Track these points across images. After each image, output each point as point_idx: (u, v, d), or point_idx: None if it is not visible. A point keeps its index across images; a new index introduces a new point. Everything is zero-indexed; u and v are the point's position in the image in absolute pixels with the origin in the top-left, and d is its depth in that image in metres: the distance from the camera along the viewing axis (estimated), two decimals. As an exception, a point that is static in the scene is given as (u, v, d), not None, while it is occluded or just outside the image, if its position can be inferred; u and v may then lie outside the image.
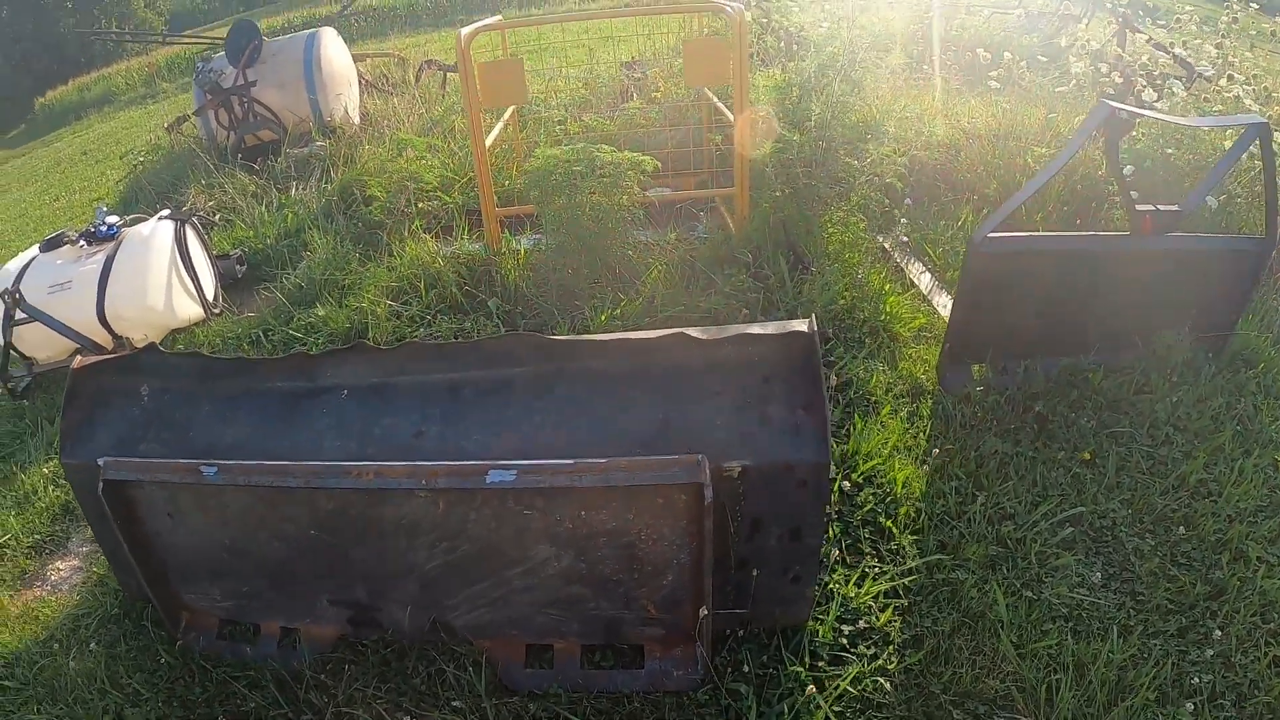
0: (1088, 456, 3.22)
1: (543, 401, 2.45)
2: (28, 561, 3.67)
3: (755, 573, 2.38)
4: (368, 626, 2.77)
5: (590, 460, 2.16)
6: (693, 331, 2.29)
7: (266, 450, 2.70)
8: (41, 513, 3.92)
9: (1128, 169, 4.73)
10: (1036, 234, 3.47)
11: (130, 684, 2.83)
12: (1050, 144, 5.19)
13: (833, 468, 3.19)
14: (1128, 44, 5.93)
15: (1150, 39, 5.91)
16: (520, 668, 2.62)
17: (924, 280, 4.62)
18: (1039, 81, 5.77)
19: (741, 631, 2.58)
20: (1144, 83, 5.26)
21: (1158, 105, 4.96)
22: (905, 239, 4.81)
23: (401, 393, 2.65)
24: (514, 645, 2.65)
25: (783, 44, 6.70)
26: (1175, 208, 3.41)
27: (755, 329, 2.28)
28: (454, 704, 2.54)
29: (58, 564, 3.64)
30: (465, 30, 4.27)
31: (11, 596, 3.45)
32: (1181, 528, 2.91)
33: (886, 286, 4.30)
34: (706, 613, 2.34)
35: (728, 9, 4.13)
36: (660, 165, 4.38)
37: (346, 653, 2.78)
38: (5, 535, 3.79)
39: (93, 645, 3.03)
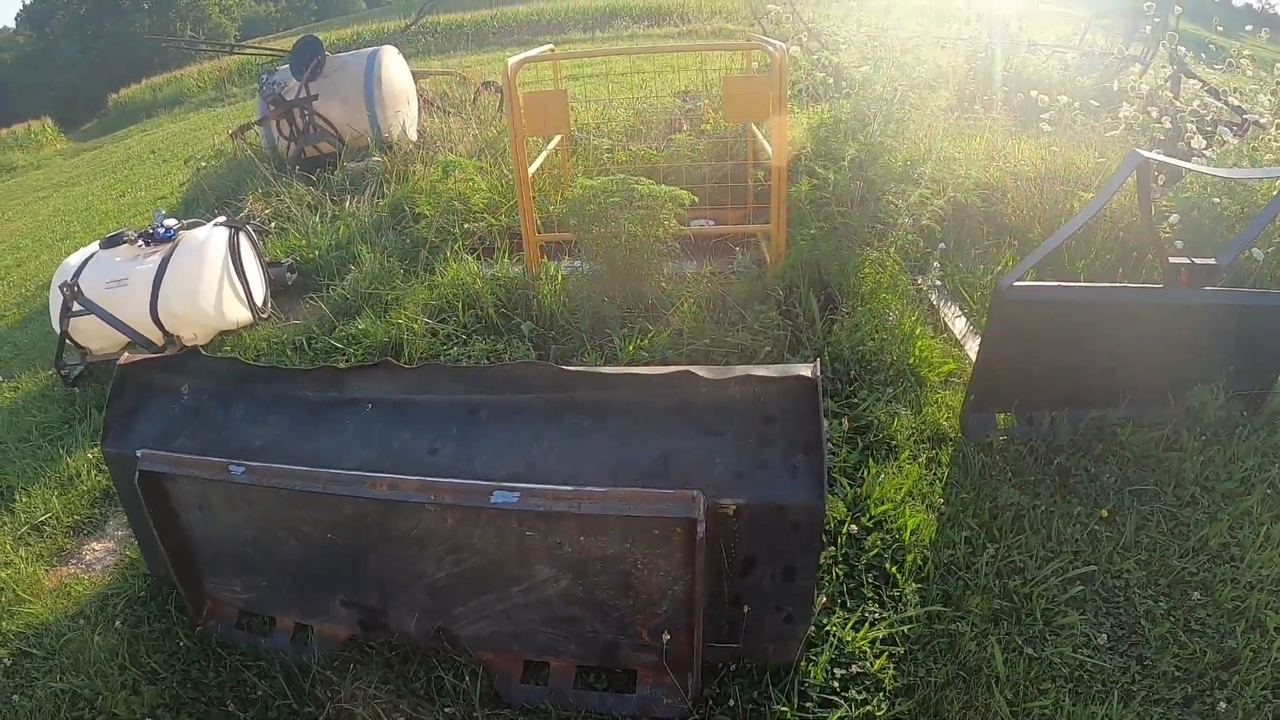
0: (1106, 514, 3.16)
1: (552, 428, 2.53)
2: (66, 540, 3.86)
3: (746, 609, 2.41)
4: (377, 629, 2.87)
5: (590, 489, 2.22)
6: (698, 370, 2.35)
7: (293, 454, 2.83)
8: (83, 495, 4.12)
9: (1173, 218, 4.66)
10: (1064, 284, 3.44)
11: (149, 663, 2.97)
12: (1098, 189, 5.13)
13: (843, 510, 3.21)
14: (1181, 89, 5.82)
15: (1204, 85, 5.80)
16: (517, 682, 2.68)
17: (958, 325, 4.59)
18: (1091, 124, 5.70)
19: (734, 666, 2.60)
20: (1194, 129, 5.16)
21: (1207, 153, 4.87)
22: (939, 282, 4.78)
23: (421, 410, 2.76)
24: (513, 659, 2.72)
25: (831, 80, 6.73)
26: (1212, 261, 3.36)
27: (759, 370, 2.33)
28: (448, 710, 2.61)
29: (93, 545, 3.82)
30: (512, 60, 4.41)
31: (47, 571, 3.64)
32: (1198, 593, 2.84)
33: (918, 330, 4.27)
34: (698, 644, 2.38)
35: (769, 46, 4.19)
36: (698, 199, 4.44)
37: (354, 653, 2.87)
38: (47, 514, 3.99)
39: (118, 624, 3.18)
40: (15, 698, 2.96)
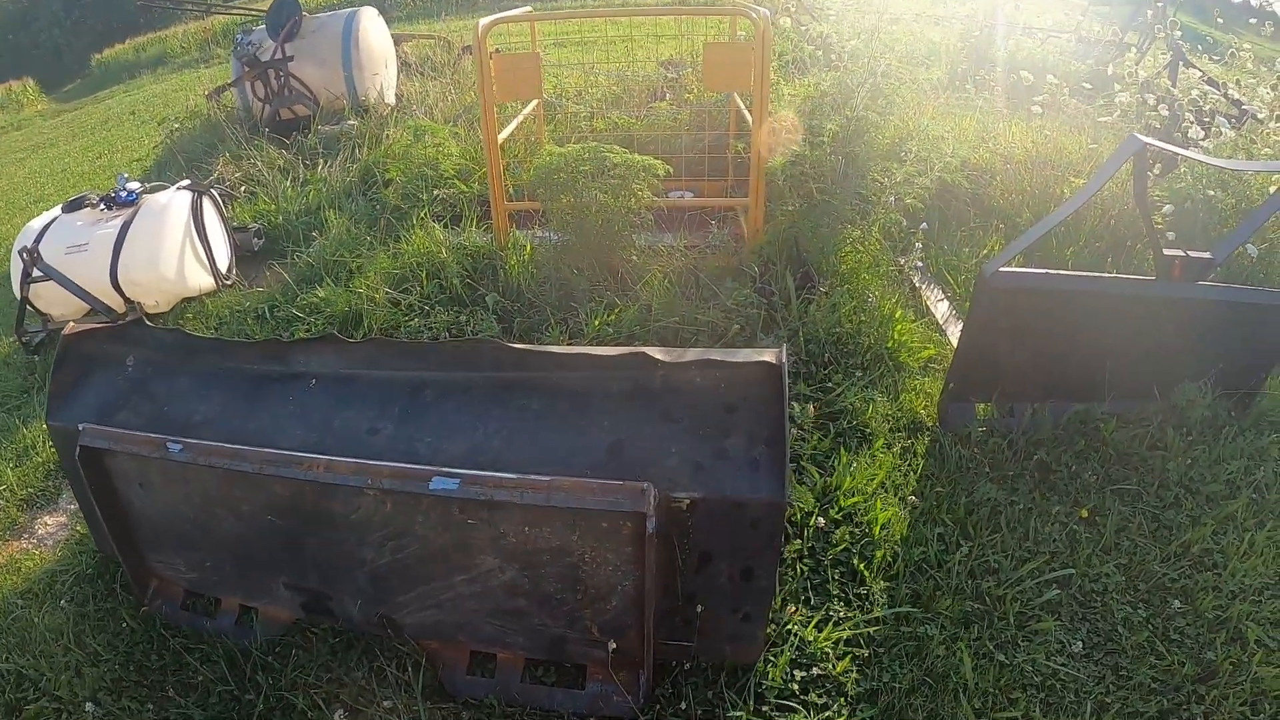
0: (1086, 513, 3.04)
1: (499, 410, 2.38)
2: (19, 514, 3.74)
3: (700, 608, 2.29)
4: (320, 614, 2.77)
5: (533, 478, 2.08)
6: (654, 352, 2.20)
7: (232, 430, 2.73)
8: (37, 468, 3.99)
9: (1167, 208, 4.52)
10: (1052, 272, 3.29)
11: (93, 644, 2.87)
12: (1090, 175, 4.98)
13: (811, 501, 3.08)
14: (1179, 78, 5.67)
15: (1203, 75, 5.64)
16: (462, 673, 2.56)
17: (940, 309, 4.45)
18: (1084, 109, 5.54)
19: (688, 665, 2.48)
20: (1191, 119, 5.01)
21: (1203, 144, 4.73)
22: (920, 264, 4.64)
23: (365, 387, 2.63)
24: (459, 650, 2.60)
25: (820, 53, 6.54)
26: (1206, 255, 3.23)
27: (719, 355, 2.18)
28: (386, 703, 2.49)
29: (46, 519, 3.70)
30: (484, 21, 4.20)
31: (-2, 546, 3.51)
32: (1178, 600, 2.73)
33: (899, 313, 4.12)
34: (649, 642, 2.25)
35: (753, 14, 4.01)
36: (674, 170, 4.27)
37: (297, 637, 2.78)
38: (1, 486, 3.85)
39: (64, 602, 3.08)
40: (-40, 677, 2.85)
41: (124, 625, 2.94)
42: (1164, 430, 3.37)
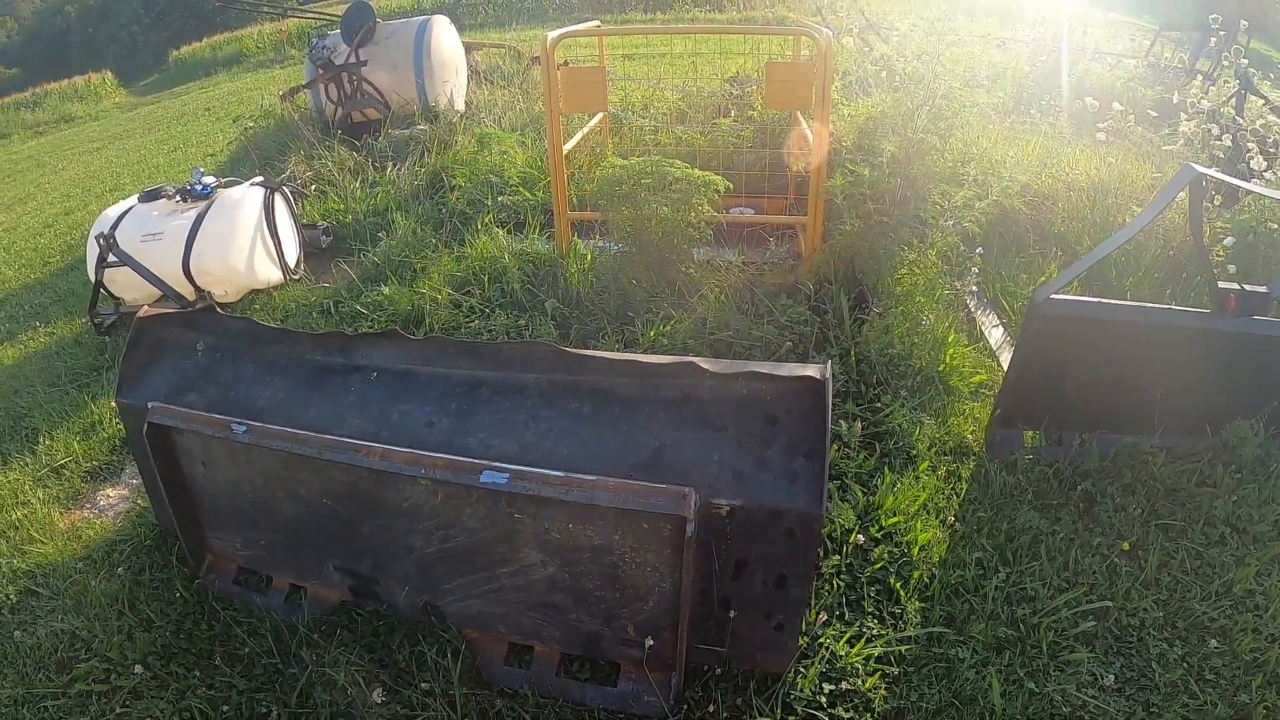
0: (1128, 547, 3.01)
1: (551, 410, 2.46)
2: (82, 484, 3.93)
3: (733, 614, 2.33)
4: (367, 597, 2.86)
5: (580, 476, 2.16)
6: (703, 362, 2.26)
7: (294, 416, 2.84)
8: (103, 443, 4.19)
9: (1228, 240, 4.43)
10: (1104, 300, 3.26)
11: (146, 611, 3.02)
12: (1149, 204, 4.91)
13: (852, 518, 3.10)
14: (1245, 107, 5.54)
15: (1268, 104, 5.50)
16: (500, 664, 2.64)
17: (994, 335, 4.42)
18: (1149, 137, 5.45)
19: (719, 670, 2.52)
20: (1255, 149, 4.90)
21: (1267, 175, 4.62)
22: (976, 288, 4.61)
23: (424, 382, 2.73)
24: (498, 640, 2.68)
25: (883, 74, 6.54)
26: (1263, 289, 3.17)
27: (766, 367, 2.23)
28: (424, 685, 2.57)
29: (108, 491, 3.89)
30: (552, 34, 4.32)
31: (61, 514, 3.71)
32: (1215, 640, 2.68)
33: (951, 336, 4.11)
34: (683, 645, 2.31)
35: (816, 34, 4.05)
36: (733, 185, 4.32)
37: (343, 618, 2.87)
38: (67, 458, 4.07)
39: (121, 570, 3.24)
40: (17, 634, 3.03)
41: (177, 595, 3.08)
42: (1213, 467, 3.31)
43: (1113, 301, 3.31)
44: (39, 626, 3.04)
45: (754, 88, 6.78)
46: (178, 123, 13.82)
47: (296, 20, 17.94)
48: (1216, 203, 4.84)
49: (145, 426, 2.86)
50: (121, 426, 4.20)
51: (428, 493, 2.43)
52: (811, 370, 2.19)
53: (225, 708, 2.63)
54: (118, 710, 2.67)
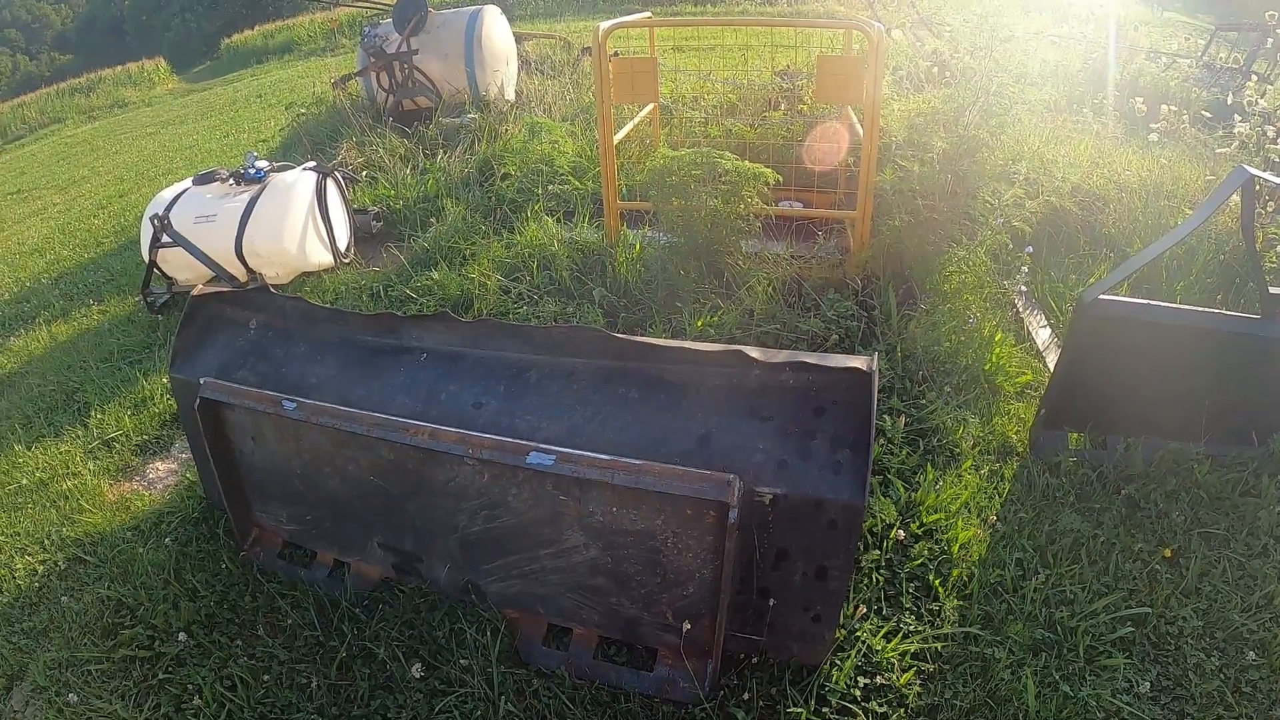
0: (1169, 554, 2.96)
1: (598, 395, 2.50)
2: (133, 457, 4.06)
3: (773, 603, 2.35)
4: (410, 574, 2.93)
5: (626, 460, 2.19)
6: (751, 351, 2.28)
7: (344, 395, 2.91)
8: (154, 417, 4.32)
9: (1280, 247, 4.32)
10: (1152, 303, 3.21)
11: (192, 581, 3.11)
12: (1200, 206, 4.80)
13: (893, 514, 3.10)
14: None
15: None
16: (538, 644, 2.68)
17: (1042, 335, 4.36)
18: (1203, 139, 5.33)
19: (755, 659, 2.54)
20: (1312, 153, 4.77)
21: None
22: (1024, 288, 4.56)
23: (472, 364, 2.78)
24: (537, 621, 2.72)
25: (935, 69, 6.46)
26: (1315, 297, 3.10)
27: (813, 358, 2.24)
28: (463, 662, 2.63)
29: (157, 464, 4.01)
30: (604, 25, 4.35)
31: (111, 485, 3.84)
32: (1253, 653, 2.63)
33: (999, 335, 4.07)
34: (720, 632, 2.33)
35: (867, 28, 4.03)
36: (783, 179, 4.32)
37: (385, 594, 2.94)
38: (118, 431, 4.20)
39: (168, 541, 3.34)
40: (64, 599, 3.15)
41: (223, 567, 3.17)
42: (1258, 477, 3.23)
43: (1162, 304, 3.26)
44: (86, 593, 3.16)
45: (804, 81, 6.73)
46: (229, 109, 14.10)
47: (347, 9, 18.20)
48: (1270, 208, 4.72)
49: (197, 401, 2.94)
50: (172, 402, 4.33)
51: (474, 472, 2.48)
52: (858, 362, 2.20)
53: (266, 677, 2.71)
54: (160, 676, 2.76)
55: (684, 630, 2.43)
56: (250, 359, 3.19)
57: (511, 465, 2.35)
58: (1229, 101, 5.84)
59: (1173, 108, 5.58)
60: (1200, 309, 3.25)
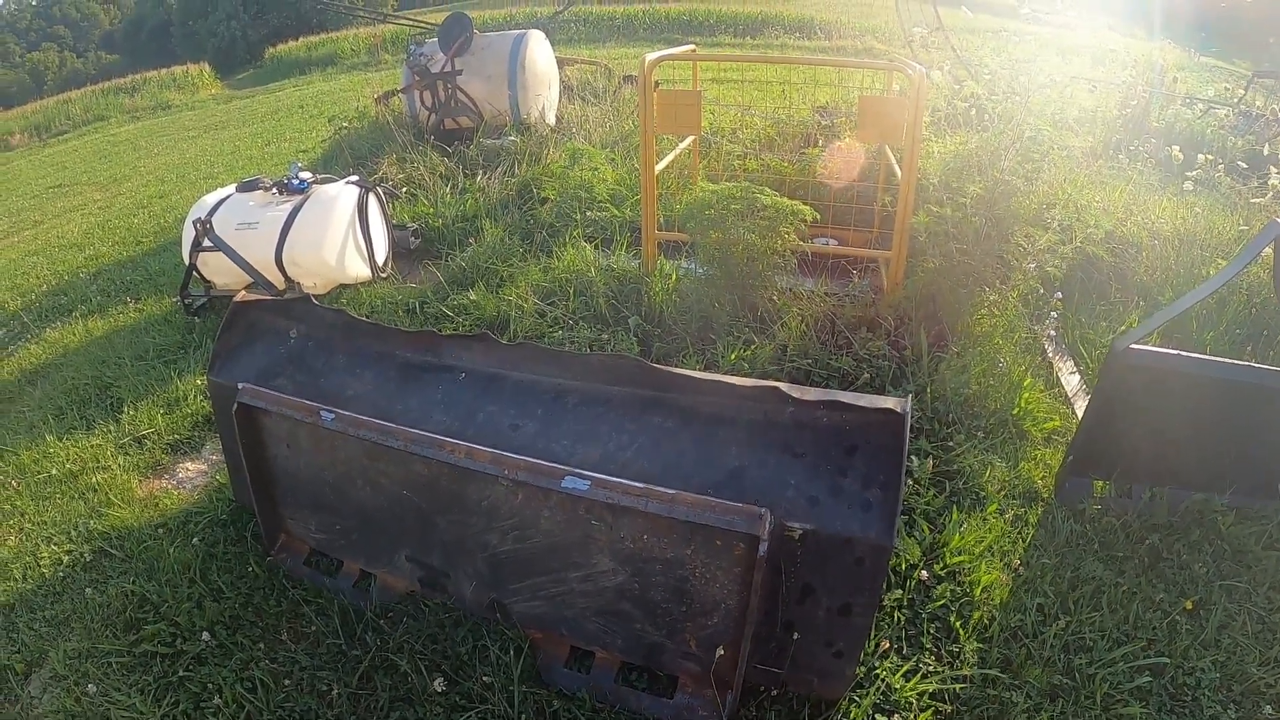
0: (1190, 605, 2.96)
1: (634, 424, 2.55)
2: (164, 456, 4.13)
3: (796, 637, 2.37)
4: (435, 589, 2.97)
5: (659, 489, 2.23)
6: (786, 388, 2.32)
7: (382, 410, 2.96)
8: (186, 418, 4.40)
9: (1312, 300, 4.32)
10: (1183, 353, 3.23)
11: (217, 581, 3.16)
12: (1234, 258, 4.80)
13: (917, 554, 3.11)
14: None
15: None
16: (560, 666, 2.71)
17: (1071, 381, 4.37)
18: (1238, 188, 5.33)
19: (775, 691, 2.56)
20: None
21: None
22: (1054, 333, 4.57)
23: (511, 386, 2.83)
24: (560, 643, 2.76)
25: (973, 111, 6.51)
26: (1345, 352, 3.10)
27: (848, 397, 2.28)
28: (485, 679, 2.66)
29: (188, 464, 4.08)
30: (650, 56, 4.43)
31: (140, 482, 3.91)
32: (1270, 707, 2.62)
33: (1028, 380, 4.10)
34: (743, 663, 2.36)
35: (909, 69, 4.09)
36: (820, 216, 4.37)
37: (409, 607, 2.97)
38: (150, 429, 4.28)
39: (195, 540, 3.39)
40: (88, 591, 3.21)
41: (249, 570, 3.22)
42: (1284, 530, 3.24)
43: (1192, 355, 3.27)
44: (110, 586, 3.21)
45: (843, 119, 6.80)
46: (271, 118, 14.37)
47: (391, 26, 18.53)
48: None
49: (235, 406, 3.00)
50: (205, 404, 4.41)
51: (508, 493, 2.53)
52: (892, 403, 2.23)
53: (287, 681, 2.75)
54: (181, 673, 2.80)
55: (706, 660, 2.45)
56: (289, 368, 3.26)
57: (545, 488, 2.40)
58: (1265, 152, 5.83)
59: (1209, 156, 5.59)
60: (1230, 361, 3.26)
